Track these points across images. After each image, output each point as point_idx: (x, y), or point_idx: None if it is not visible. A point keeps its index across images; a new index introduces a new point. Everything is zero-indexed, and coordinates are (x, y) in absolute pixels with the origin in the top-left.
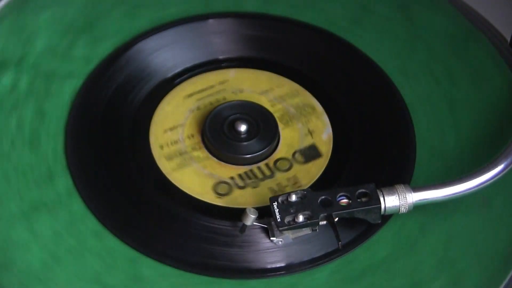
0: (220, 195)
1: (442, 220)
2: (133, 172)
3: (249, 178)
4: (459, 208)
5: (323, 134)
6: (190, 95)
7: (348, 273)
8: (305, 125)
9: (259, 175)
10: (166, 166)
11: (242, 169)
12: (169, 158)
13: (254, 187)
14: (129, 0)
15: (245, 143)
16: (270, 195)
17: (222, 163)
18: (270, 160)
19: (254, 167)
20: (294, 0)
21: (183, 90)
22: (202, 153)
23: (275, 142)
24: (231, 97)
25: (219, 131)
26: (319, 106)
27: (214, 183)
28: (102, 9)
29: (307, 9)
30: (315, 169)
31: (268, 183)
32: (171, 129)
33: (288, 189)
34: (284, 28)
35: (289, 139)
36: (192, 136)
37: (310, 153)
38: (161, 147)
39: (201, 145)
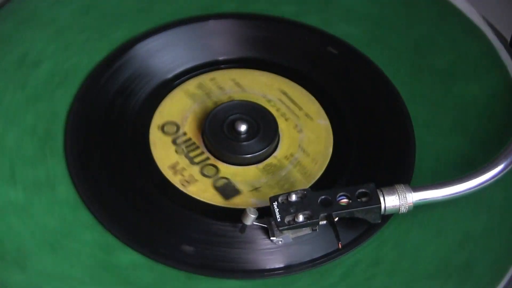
0: (163, 132)
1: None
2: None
3: (189, 147)
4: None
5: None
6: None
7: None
8: (275, 179)
9: (193, 154)
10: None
11: (198, 140)
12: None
13: (176, 152)
14: None
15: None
16: (169, 164)
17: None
18: (215, 162)
19: (205, 151)
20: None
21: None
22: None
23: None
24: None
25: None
26: (301, 182)
27: (166, 121)
28: None
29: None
30: (198, 194)
31: (184, 162)
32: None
33: (178, 178)
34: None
35: (246, 173)
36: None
37: (229, 190)
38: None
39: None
